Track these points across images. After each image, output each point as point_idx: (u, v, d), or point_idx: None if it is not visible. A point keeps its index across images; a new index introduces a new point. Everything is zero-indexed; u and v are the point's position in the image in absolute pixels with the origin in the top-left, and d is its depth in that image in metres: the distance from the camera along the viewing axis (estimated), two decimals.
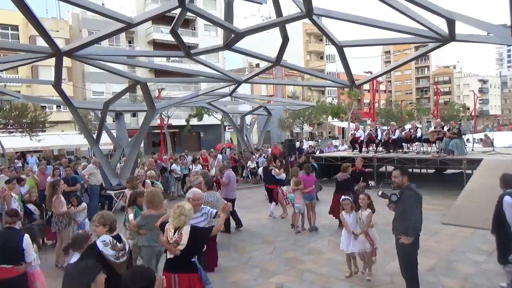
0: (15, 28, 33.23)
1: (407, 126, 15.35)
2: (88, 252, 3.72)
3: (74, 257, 3.77)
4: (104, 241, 3.83)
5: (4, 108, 22.97)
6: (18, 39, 32.99)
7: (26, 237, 4.41)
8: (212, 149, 18.89)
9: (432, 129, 15.40)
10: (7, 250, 4.28)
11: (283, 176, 10.61)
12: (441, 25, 7.56)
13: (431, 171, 16.55)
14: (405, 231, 4.80)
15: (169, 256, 4.08)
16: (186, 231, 4.02)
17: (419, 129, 14.51)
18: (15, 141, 26.83)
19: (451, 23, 7.14)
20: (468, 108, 64.11)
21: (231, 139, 40.13)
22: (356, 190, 8.67)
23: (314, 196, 9.16)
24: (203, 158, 15.71)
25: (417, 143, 14.45)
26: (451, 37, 7.59)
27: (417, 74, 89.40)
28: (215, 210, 5.20)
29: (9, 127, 24.97)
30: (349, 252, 5.96)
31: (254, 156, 16.65)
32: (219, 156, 16.09)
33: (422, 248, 7.19)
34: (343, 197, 6.25)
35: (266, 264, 6.78)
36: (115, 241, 3.87)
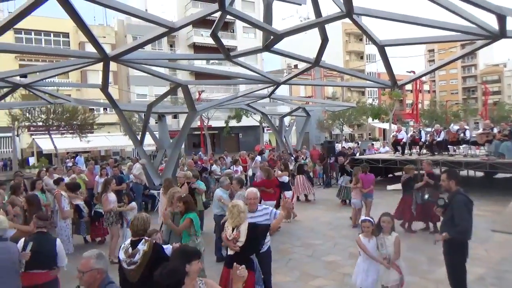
0: (66, 35, 35.21)
1: (455, 127, 14.61)
2: None
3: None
4: (124, 244, 3.91)
5: (57, 111, 24.43)
6: (69, 46, 34.93)
7: (59, 241, 4.44)
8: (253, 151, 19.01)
9: (480, 130, 14.62)
10: (41, 255, 4.19)
11: (285, 178, 10.13)
12: (490, 21, 7.17)
13: (479, 174, 15.72)
14: (450, 235, 4.59)
15: (230, 252, 4.26)
16: (244, 228, 4.17)
17: (467, 131, 13.81)
18: (66, 142, 28.44)
19: (501, 18, 6.75)
20: None
21: (269, 140, 40.20)
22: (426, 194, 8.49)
23: (371, 195, 9.39)
24: (242, 159, 15.87)
25: (464, 145, 13.77)
26: (502, 33, 7.17)
27: (463, 73, 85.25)
28: (277, 211, 5.10)
29: (61, 128, 26.52)
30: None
31: (292, 158, 16.59)
32: (258, 158, 16.17)
33: (470, 256, 6.86)
34: (363, 217, 5.13)
35: (305, 266, 6.74)
36: (130, 246, 3.79)
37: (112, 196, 7.70)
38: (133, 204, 7.40)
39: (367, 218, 4.99)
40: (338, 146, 21.95)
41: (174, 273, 2.71)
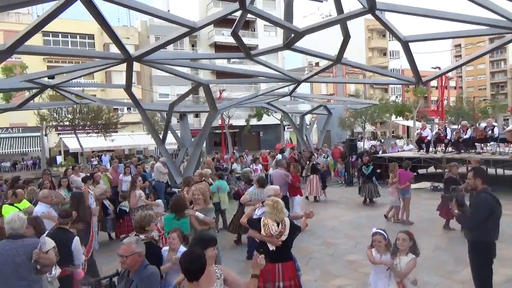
0: (91, 37, 36.14)
1: (482, 125, 14.18)
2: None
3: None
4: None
5: (83, 111, 25.10)
6: (94, 47, 35.82)
7: (76, 239, 4.49)
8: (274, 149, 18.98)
9: (510, 127, 14.11)
10: (59, 251, 4.16)
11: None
12: None
13: (508, 173, 15.17)
14: (473, 235, 4.58)
15: (272, 248, 4.33)
16: (287, 223, 4.36)
17: (495, 128, 13.36)
18: (92, 141, 29.19)
19: None
20: None
21: (290, 139, 40.06)
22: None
23: (408, 191, 9.44)
24: (263, 157, 15.87)
25: (492, 142, 13.33)
26: None
27: (492, 68, 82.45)
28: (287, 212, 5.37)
29: (86, 128, 27.23)
30: None
31: (314, 156, 16.47)
32: (279, 156, 16.14)
33: (498, 256, 6.65)
34: (374, 230, 4.38)
35: (326, 266, 6.69)
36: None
37: (137, 193, 7.87)
38: (159, 201, 7.48)
39: (378, 230, 4.31)
40: (362, 145, 21.62)
41: (198, 259, 2.83)
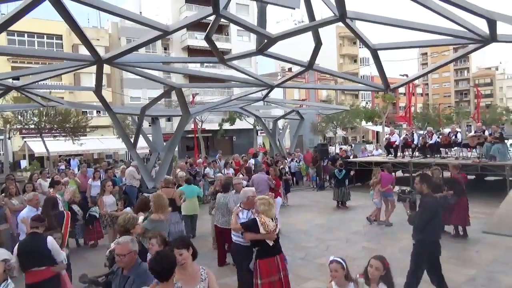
0: (59, 37, 35.02)
1: (446, 130, 14.77)
2: None
3: None
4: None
5: (49, 114, 24.24)
6: (62, 48, 34.75)
7: (50, 239, 4.52)
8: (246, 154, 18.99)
9: (472, 133, 14.78)
10: (35, 254, 4.38)
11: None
12: (481, 25, 7.29)
13: (471, 177, 15.86)
14: (419, 238, 4.98)
15: (270, 243, 4.67)
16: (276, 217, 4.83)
17: (459, 133, 13.96)
18: (59, 145, 28.21)
19: (491, 23, 6.85)
20: None
21: (263, 143, 40.23)
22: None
23: (391, 194, 9.79)
24: (235, 162, 15.86)
25: (456, 148, 13.91)
26: (492, 38, 7.28)
27: (456, 76, 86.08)
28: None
29: (53, 131, 26.31)
30: None
31: (286, 161, 16.62)
32: (252, 160, 16.18)
33: (462, 257, 6.95)
34: (331, 258, 3.74)
35: (298, 269, 6.76)
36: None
37: (108, 199, 7.69)
38: (128, 209, 7.23)
39: (335, 259, 3.67)
40: (332, 149, 22.00)
41: (162, 260, 2.89)
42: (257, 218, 4.67)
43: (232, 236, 5.36)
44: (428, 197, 4.96)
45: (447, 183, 8.49)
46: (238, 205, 5.43)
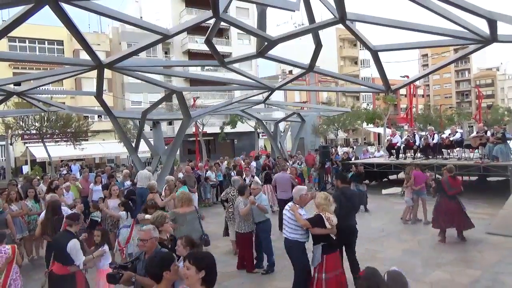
0: (60, 43, 35.13)
1: (447, 132, 14.75)
2: None
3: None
4: None
5: (51, 119, 24.31)
6: (63, 53, 34.85)
7: (72, 242, 4.59)
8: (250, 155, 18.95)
9: (474, 134, 14.73)
10: (57, 251, 4.69)
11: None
12: (482, 25, 7.28)
13: (473, 178, 15.81)
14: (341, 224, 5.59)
15: (334, 237, 4.96)
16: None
17: (458, 133, 13.93)
18: (60, 150, 28.26)
19: (492, 23, 6.85)
20: None
21: (264, 146, 40.25)
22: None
23: (424, 192, 9.87)
24: (240, 166, 15.81)
25: (458, 148, 13.87)
26: (493, 38, 7.27)
27: (457, 77, 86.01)
28: None
29: (55, 136, 26.37)
30: None
31: (288, 163, 16.59)
32: (253, 163, 16.16)
33: (465, 259, 6.91)
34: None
35: None
36: None
37: (113, 203, 7.67)
38: (123, 213, 7.10)
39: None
40: (340, 151, 21.92)
41: (154, 262, 3.06)
42: (322, 214, 4.86)
43: (287, 233, 5.22)
44: (344, 189, 6.07)
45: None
46: (292, 202, 5.37)
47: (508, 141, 12.86)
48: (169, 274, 2.99)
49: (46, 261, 5.37)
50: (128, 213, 6.87)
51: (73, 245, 4.59)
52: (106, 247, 4.95)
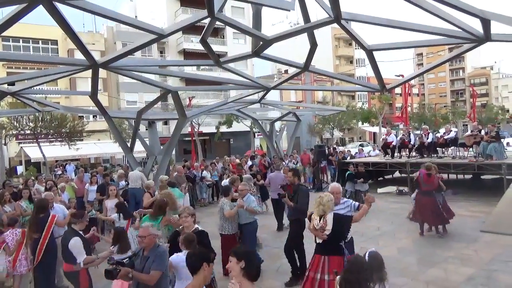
0: (55, 42, 34.89)
1: (442, 130, 14.82)
2: None
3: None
4: None
5: (45, 119, 24.16)
6: (57, 53, 34.63)
7: (74, 240, 4.65)
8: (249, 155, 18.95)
9: (468, 132, 14.82)
10: (63, 248, 4.79)
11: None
12: (476, 25, 7.32)
13: (468, 176, 15.92)
14: (295, 218, 6.24)
15: (318, 241, 4.70)
16: (330, 218, 4.60)
17: (452, 132, 14.03)
18: (55, 150, 28.09)
19: (485, 22, 6.89)
20: (508, 111, 61.32)
21: (260, 145, 40.23)
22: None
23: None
24: (232, 164, 15.82)
25: (452, 147, 13.95)
26: (487, 37, 7.32)
27: (451, 76, 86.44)
28: (357, 203, 5.48)
29: (49, 136, 26.21)
30: None
31: (284, 162, 16.60)
32: (249, 162, 16.16)
33: (460, 257, 6.95)
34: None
35: None
36: None
37: (109, 203, 7.64)
38: (115, 216, 7.02)
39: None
40: (331, 151, 21.98)
41: (189, 257, 3.13)
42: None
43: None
44: (302, 186, 6.64)
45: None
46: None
47: (502, 140, 12.97)
48: (207, 268, 3.04)
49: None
50: (121, 214, 6.84)
51: (74, 243, 4.63)
52: (115, 248, 4.90)
